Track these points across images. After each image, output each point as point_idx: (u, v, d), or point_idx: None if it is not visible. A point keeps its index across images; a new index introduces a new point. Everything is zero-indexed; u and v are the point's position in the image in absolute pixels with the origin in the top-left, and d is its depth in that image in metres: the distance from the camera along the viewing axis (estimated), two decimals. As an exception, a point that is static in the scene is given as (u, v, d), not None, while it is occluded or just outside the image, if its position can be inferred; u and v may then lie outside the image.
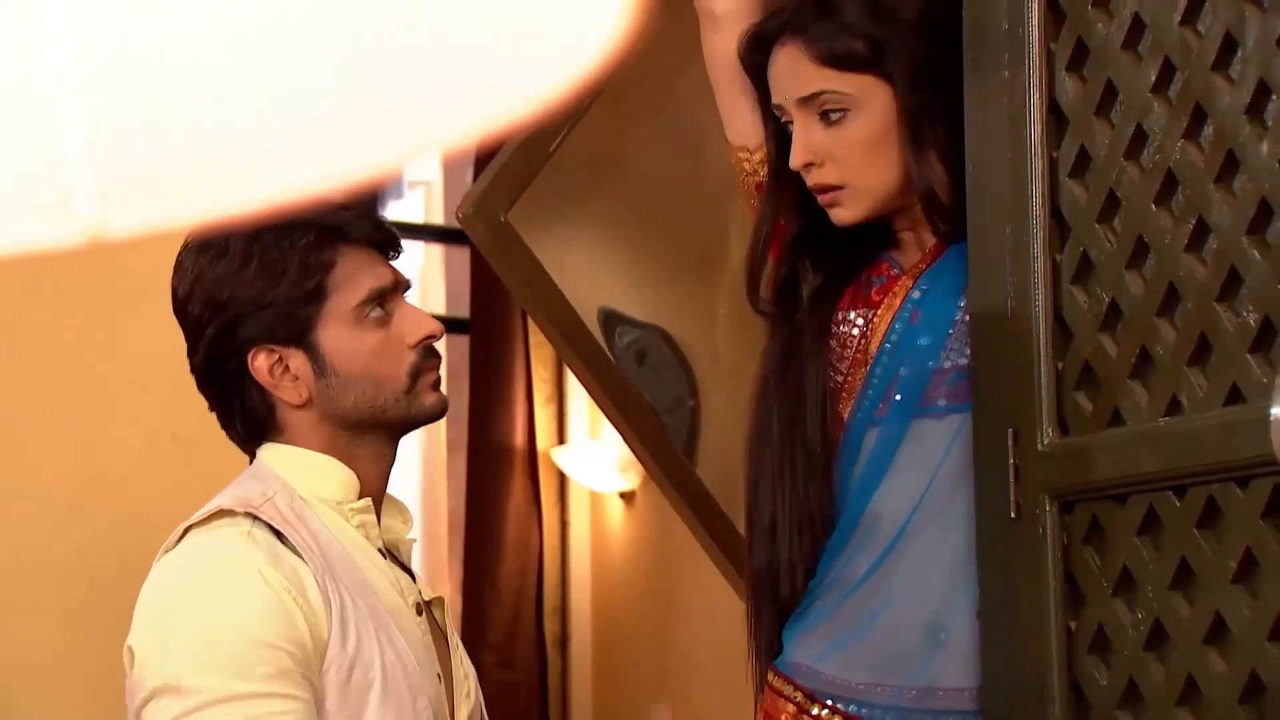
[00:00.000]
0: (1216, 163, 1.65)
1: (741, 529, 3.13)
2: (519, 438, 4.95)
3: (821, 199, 1.91)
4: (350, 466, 1.91)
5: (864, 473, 1.93)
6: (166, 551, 1.85)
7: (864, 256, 1.98)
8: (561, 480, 5.08)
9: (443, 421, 5.42)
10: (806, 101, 1.88)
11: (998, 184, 1.83)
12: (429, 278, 5.41)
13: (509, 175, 2.88)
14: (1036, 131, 1.79)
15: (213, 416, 1.99)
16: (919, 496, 1.90)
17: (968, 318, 1.90)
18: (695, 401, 3.21)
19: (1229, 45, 1.65)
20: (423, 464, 5.42)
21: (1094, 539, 1.75)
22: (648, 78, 3.04)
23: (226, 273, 1.87)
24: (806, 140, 1.88)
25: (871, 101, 1.88)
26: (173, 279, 1.92)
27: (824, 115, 1.88)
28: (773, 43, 1.91)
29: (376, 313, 1.90)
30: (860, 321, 1.95)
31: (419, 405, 1.91)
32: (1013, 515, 1.78)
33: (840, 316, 1.96)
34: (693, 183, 3.22)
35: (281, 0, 0.62)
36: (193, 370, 1.94)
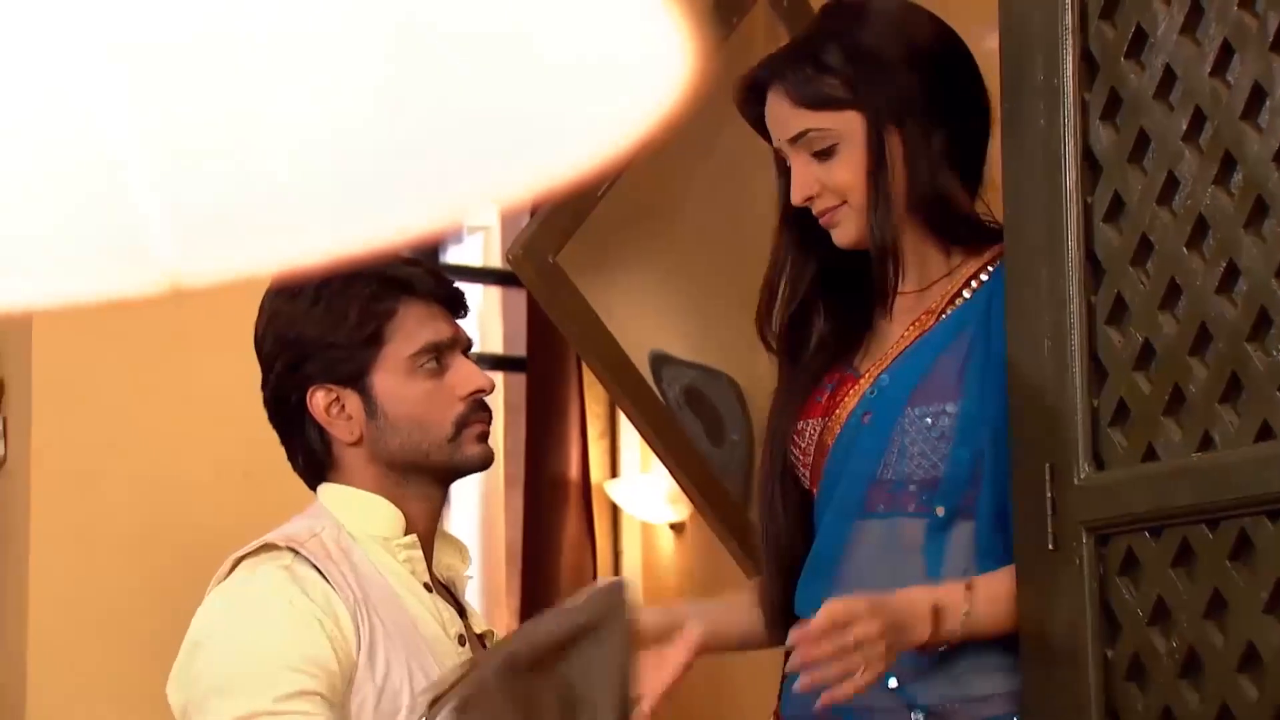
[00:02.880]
0: (1246, 207, 1.65)
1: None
2: (573, 471, 4.95)
3: (823, 221, 1.93)
4: (399, 505, 1.95)
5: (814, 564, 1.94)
6: (218, 583, 1.90)
7: (871, 308, 1.98)
8: (614, 512, 5.07)
9: (500, 458, 5.44)
10: (795, 141, 1.91)
11: (1034, 228, 1.82)
12: (487, 319, 5.43)
13: (558, 219, 2.90)
14: (1072, 178, 1.79)
15: (282, 453, 2.01)
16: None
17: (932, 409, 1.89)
18: (746, 438, 3.21)
19: (1257, 95, 1.64)
20: (481, 498, 5.43)
21: (1129, 570, 1.74)
22: (694, 123, 3.05)
23: (295, 313, 1.93)
24: (802, 176, 1.91)
25: (854, 133, 1.89)
26: (256, 319, 1.98)
27: (814, 151, 1.91)
28: (764, 91, 1.94)
29: (431, 364, 1.94)
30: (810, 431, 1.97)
31: (461, 454, 1.94)
32: (1050, 547, 1.77)
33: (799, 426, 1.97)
34: (737, 226, 3.21)
35: (351, 60, 0.62)
36: (264, 404, 1.98)
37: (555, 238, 2.90)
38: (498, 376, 5.54)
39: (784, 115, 1.93)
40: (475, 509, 5.42)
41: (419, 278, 1.97)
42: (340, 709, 1.81)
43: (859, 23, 1.93)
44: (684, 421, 3.12)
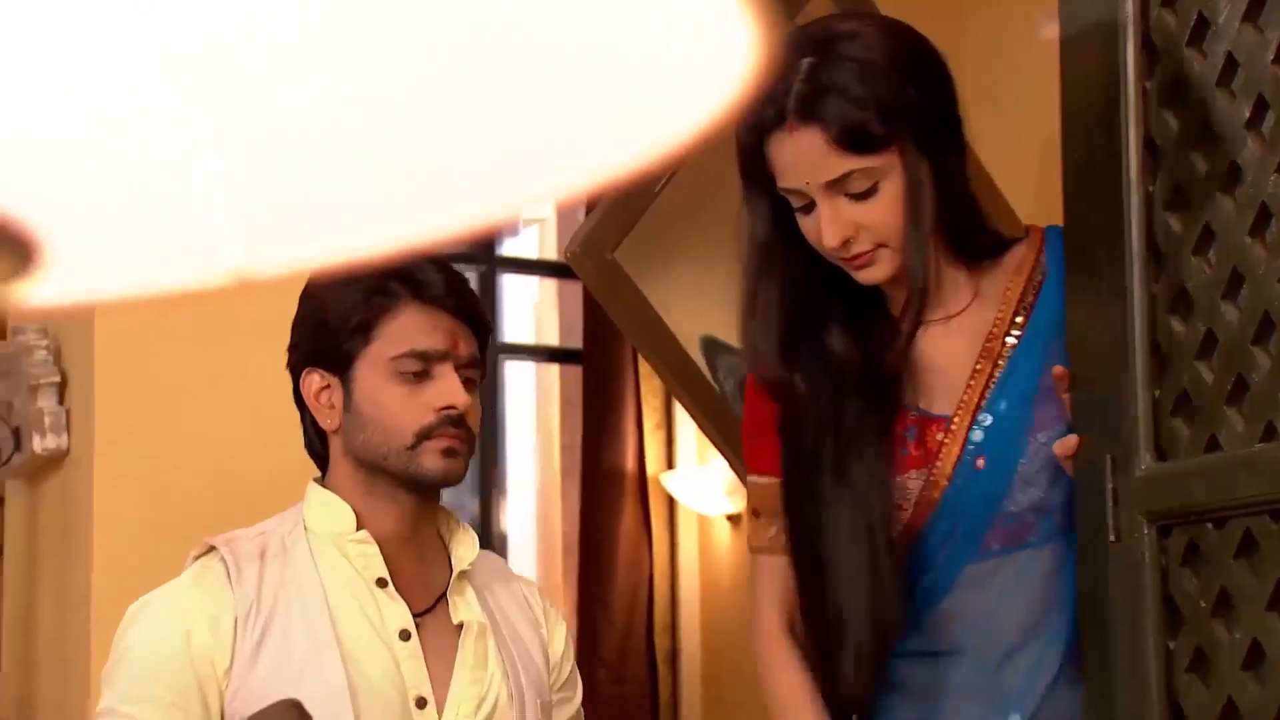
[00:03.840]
0: (1310, 195, 1.63)
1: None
2: (629, 464, 4.95)
3: (855, 263, 1.82)
4: (365, 502, 1.97)
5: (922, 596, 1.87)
6: None
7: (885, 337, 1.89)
8: (670, 504, 5.07)
9: (555, 449, 5.45)
10: (833, 184, 1.79)
11: (1095, 218, 1.81)
12: (543, 311, 5.44)
13: (615, 215, 2.89)
14: (1133, 167, 1.77)
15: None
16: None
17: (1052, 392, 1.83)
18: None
19: (1321, 81, 1.62)
20: (538, 491, 5.44)
21: (1192, 562, 1.72)
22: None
23: (312, 294, 1.95)
24: (836, 218, 1.79)
25: (893, 170, 1.80)
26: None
27: (852, 193, 1.79)
28: (773, 130, 1.80)
29: (413, 370, 1.92)
30: (914, 484, 1.86)
31: (417, 465, 1.94)
32: (1112, 539, 1.76)
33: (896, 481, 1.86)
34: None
35: (412, 55, 0.62)
36: None
37: (613, 234, 2.90)
38: (553, 369, 5.55)
39: (818, 157, 1.78)
40: (532, 502, 5.43)
41: (431, 282, 1.95)
42: (205, 707, 1.88)
43: (870, 47, 1.80)
44: (740, 412, 3.12)
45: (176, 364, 2.82)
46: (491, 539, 4.92)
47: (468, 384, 1.96)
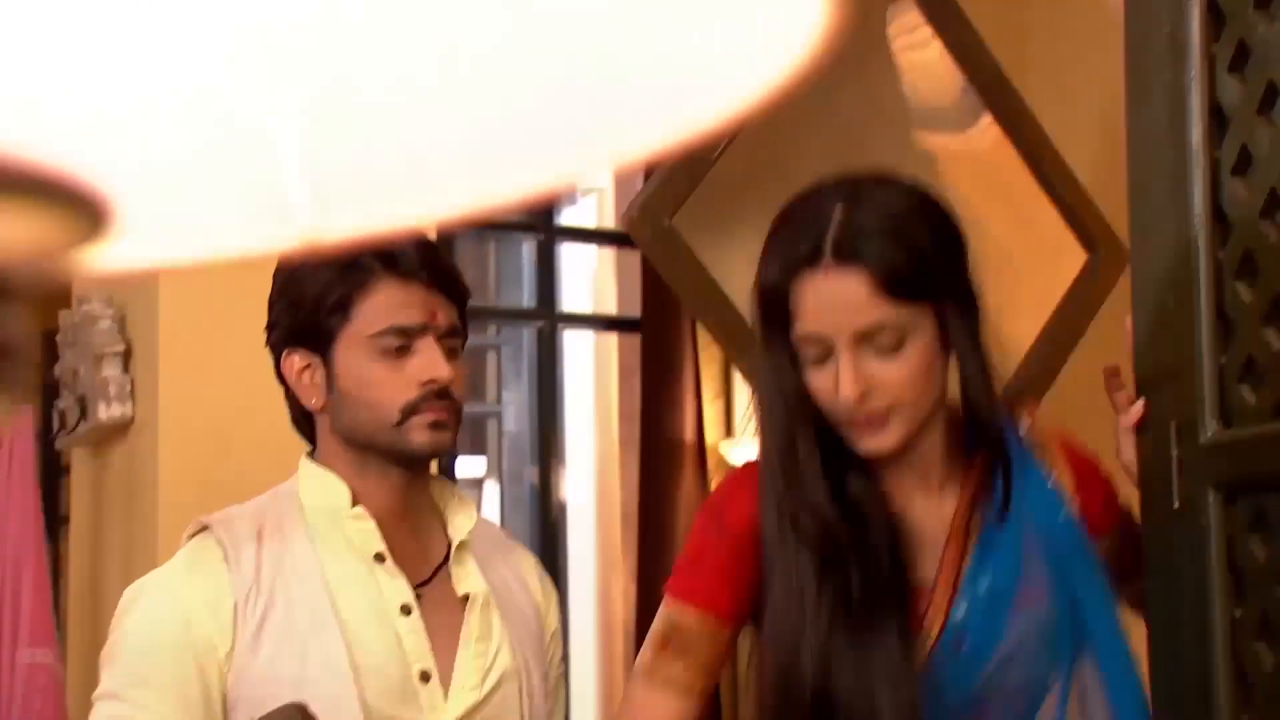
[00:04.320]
0: (1380, 159, 1.60)
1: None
2: (688, 432, 4.95)
3: (860, 425, 1.72)
4: (357, 479, 1.96)
5: None
6: None
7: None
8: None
9: (614, 418, 5.45)
10: (862, 335, 1.69)
11: (1159, 185, 1.79)
12: (601, 280, 5.43)
13: (673, 182, 2.88)
14: (1198, 132, 1.75)
15: None
16: None
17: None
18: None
19: (1392, 43, 1.60)
20: (597, 461, 5.45)
21: (1258, 529, 1.71)
22: (809, 86, 3.03)
23: (287, 273, 1.94)
24: (858, 371, 1.69)
25: (923, 325, 1.71)
26: None
27: (878, 347, 1.70)
28: (806, 269, 1.70)
29: (393, 345, 1.91)
30: None
31: (405, 441, 1.93)
32: (1176, 507, 1.75)
33: None
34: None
35: (475, 25, 0.62)
36: None
37: (671, 200, 2.89)
38: (611, 339, 5.55)
39: (856, 301, 1.68)
40: (591, 472, 5.44)
41: (404, 256, 1.92)
42: (205, 691, 1.86)
43: (901, 196, 1.74)
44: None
45: (240, 333, 2.83)
46: (550, 509, 4.92)
47: (450, 354, 1.94)
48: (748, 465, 1.85)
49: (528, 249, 5.04)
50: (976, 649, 1.76)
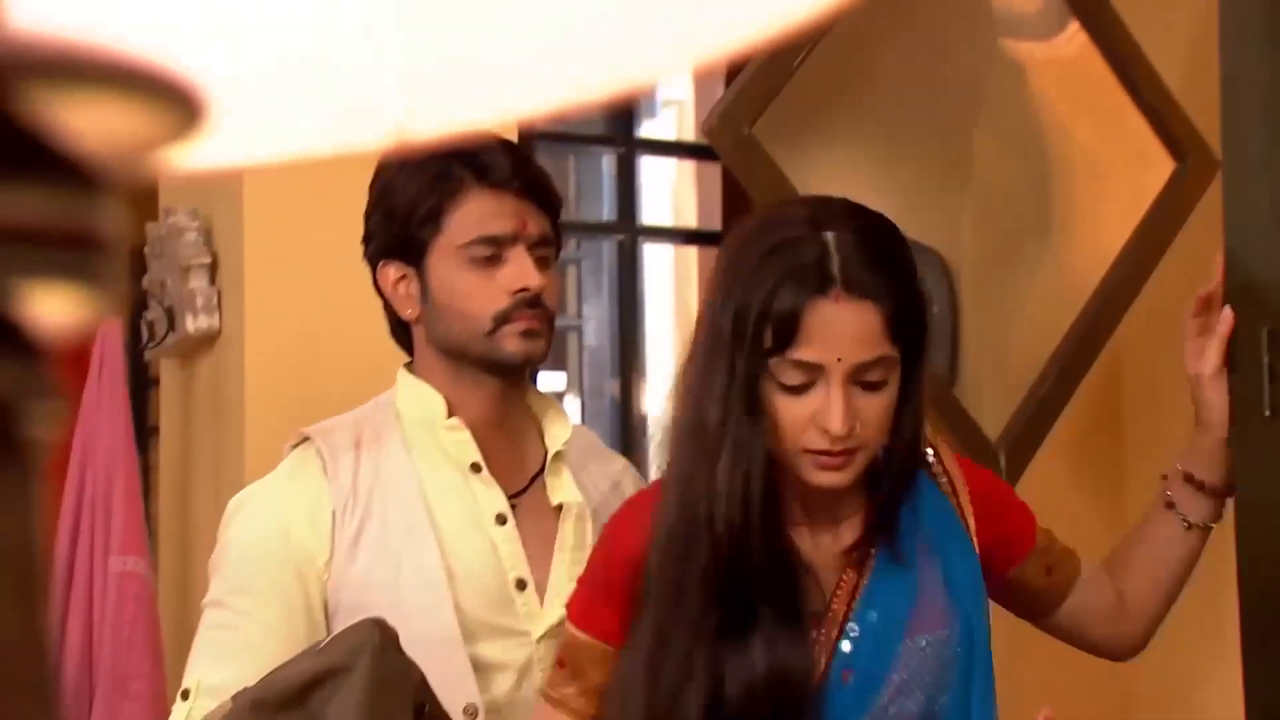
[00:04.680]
0: None
1: (984, 433, 3.09)
2: (769, 344, 4.95)
3: (819, 462, 1.69)
4: (453, 389, 1.98)
5: None
6: None
7: None
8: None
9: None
10: (858, 368, 1.67)
11: (1252, 89, 1.75)
12: (681, 193, 5.42)
13: (753, 90, 2.86)
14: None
15: None
16: None
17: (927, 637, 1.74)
18: (949, 311, 3.16)
19: None
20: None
21: (1350, 437, 1.69)
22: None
23: (382, 183, 1.95)
24: (848, 407, 1.66)
25: (897, 368, 1.70)
26: None
27: (866, 384, 1.69)
28: (816, 296, 1.67)
29: (484, 254, 1.91)
30: None
31: (498, 349, 1.93)
32: (1268, 413, 1.72)
33: None
34: (934, 96, 3.15)
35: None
36: None
37: (751, 109, 2.87)
38: (691, 251, 5.54)
39: (865, 334, 1.66)
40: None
41: (494, 164, 1.93)
42: (306, 599, 1.90)
43: (893, 234, 1.72)
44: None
45: (325, 245, 2.84)
46: (631, 421, 4.94)
47: (541, 263, 1.95)
48: (643, 494, 1.84)
49: (607, 162, 5.03)
50: (866, 680, 1.72)
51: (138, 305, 3.22)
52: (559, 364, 5.65)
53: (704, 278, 5.30)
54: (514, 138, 2.47)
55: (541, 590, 1.95)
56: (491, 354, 1.94)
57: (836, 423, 1.65)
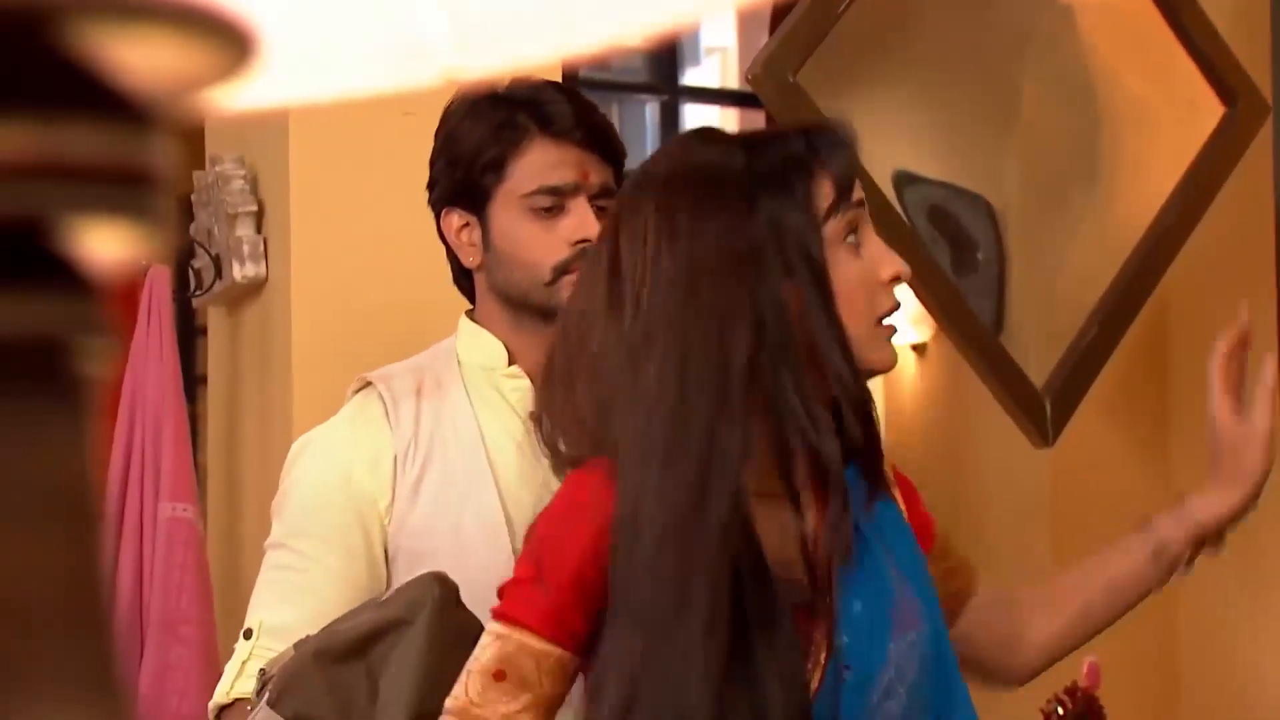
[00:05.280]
0: None
1: (1030, 380, 3.07)
2: (813, 293, 4.93)
3: (888, 326, 1.66)
4: (513, 337, 1.98)
5: None
6: None
7: None
8: (854, 334, 5.04)
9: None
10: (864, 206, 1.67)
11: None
12: (725, 142, 5.40)
13: (798, 37, 2.84)
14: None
15: None
16: None
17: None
18: (997, 259, 3.14)
19: None
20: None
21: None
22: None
23: (447, 129, 1.96)
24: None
25: None
26: None
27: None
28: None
29: (545, 204, 1.92)
30: None
31: (559, 299, 1.93)
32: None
33: None
34: (980, 42, 3.13)
35: None
36: None
37: (795, 55, 2.85)
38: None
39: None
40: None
41: (558, 113, 1.93)
42: (367, 544, 1.91)
43: None
44: (928, 242, 3.07)
45: (372, 193, 2.84)
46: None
47: (601, 213, 1.94)
48: (594, 466, 1.60)
49: (651, 110, 5.01)
50: (861, 677, 1.59)
51: (185, 253, 3.23)
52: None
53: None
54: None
55: None
56: (551, 303, 1.95)
57: (899, 267, 1.64)
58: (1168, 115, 3.22)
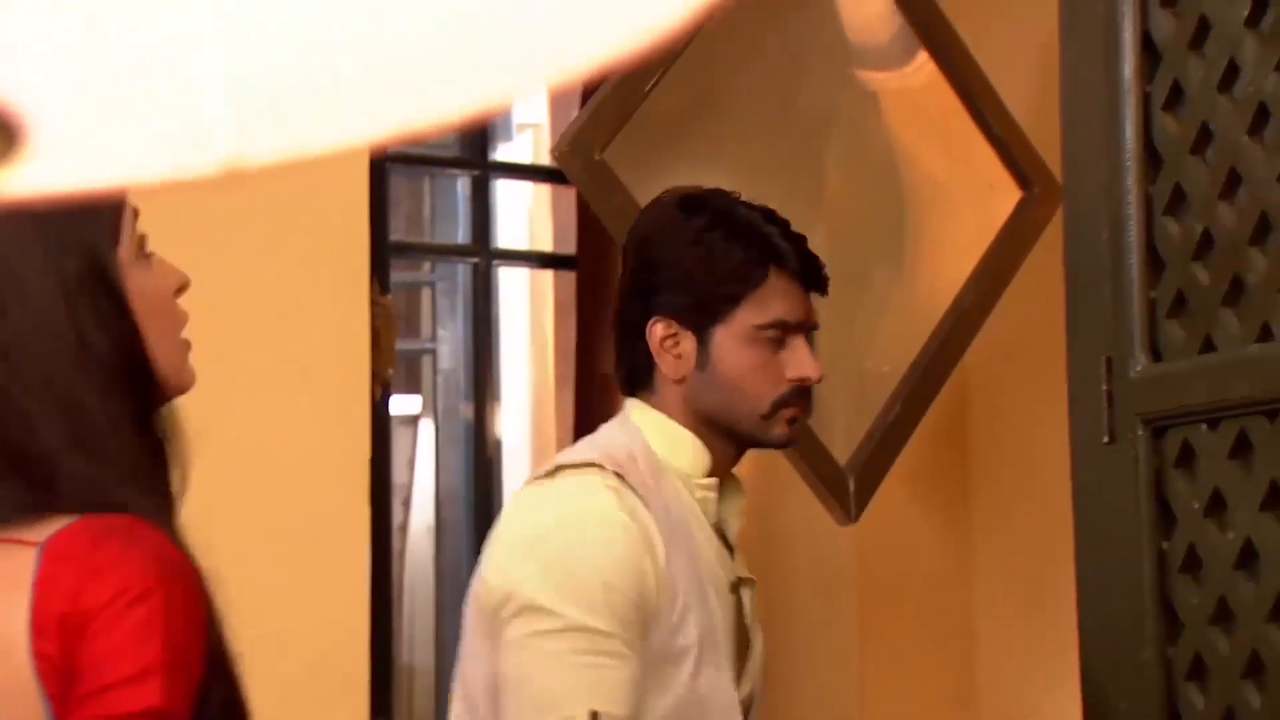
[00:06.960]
0: (1309, 95, 1.61)
1: (834, 458, 3.12)
2: (623, 369, 4.95)
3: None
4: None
5: None
6: (537, 481, 1.92)
7: None
8: (664, 410, 5.06)
9: (550, 355, 5.45)
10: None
11: (1092, 119, 1.80)
12: (536, 217, 5.41)
13: (604, 114, 2.87)
14: (1130, 66, 1.76)
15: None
16: None
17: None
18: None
19: (1322, -21, 1.60)
20: (532, 398, 5.44)
21: (1185, 463, 1.73)
22: (741, 19, 3.01)
23: (675, 241, 1.95)
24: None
25: None
26: (646, 207, 2.12)
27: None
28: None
29: (773, 337, 1.97)
30: None
31: (769, 432, 1.98)
32: (1106, 440, 1.76)
33: None
34: (786, 121, 3.19)
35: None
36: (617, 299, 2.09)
37: (602, 133, 2.88)
38: (547, 275, 5.53)
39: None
40: (526, 409, 5.43)
41: (794, 255, 2.00)
42: (641, 643, 1.83)
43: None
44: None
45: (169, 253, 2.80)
46: (486, 446, 4.92)
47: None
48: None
49: (462, 185, 5.01)
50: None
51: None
52: (413, 387, 5.62)
53: (560, 302, 5.31)
54: (364, 160, 2.46)
55: (739, 667, 1.97)
56: (758, 434, 1.97)
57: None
58: (967, 197, 3.31)
